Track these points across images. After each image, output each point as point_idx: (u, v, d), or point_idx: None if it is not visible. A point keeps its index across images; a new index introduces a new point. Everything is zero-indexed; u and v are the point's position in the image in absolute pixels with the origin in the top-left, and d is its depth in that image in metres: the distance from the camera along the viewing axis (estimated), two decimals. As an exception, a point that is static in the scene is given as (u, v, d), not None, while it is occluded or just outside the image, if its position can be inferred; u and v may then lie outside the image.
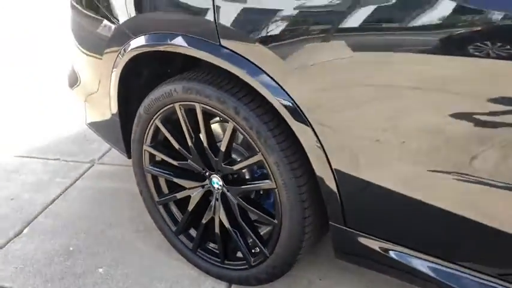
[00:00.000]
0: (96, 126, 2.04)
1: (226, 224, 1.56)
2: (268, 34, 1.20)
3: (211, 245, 1.68)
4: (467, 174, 1.07)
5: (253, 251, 1.55)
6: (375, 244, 1.29)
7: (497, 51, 0.91)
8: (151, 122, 1.59)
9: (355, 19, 1.05)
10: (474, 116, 1.01)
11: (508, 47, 0.90)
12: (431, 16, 0.96)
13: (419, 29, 0.99)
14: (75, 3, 1.80)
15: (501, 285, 1.15)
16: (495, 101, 0.97)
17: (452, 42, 0.97)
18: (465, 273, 1.19)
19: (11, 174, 2.38)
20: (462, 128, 1.03)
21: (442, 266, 1.22)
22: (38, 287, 1.68)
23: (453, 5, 0.95)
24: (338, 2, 1.07)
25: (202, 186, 1.60)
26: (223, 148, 1.46)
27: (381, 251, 1.29)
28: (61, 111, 2.98)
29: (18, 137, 2.73)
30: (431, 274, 1.23)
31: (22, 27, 4.88)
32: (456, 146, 1.06)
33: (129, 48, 1.55)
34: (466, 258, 1.20)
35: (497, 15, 0.91)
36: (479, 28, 0.93)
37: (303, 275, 1.64)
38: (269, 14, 1.19)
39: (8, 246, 1.88)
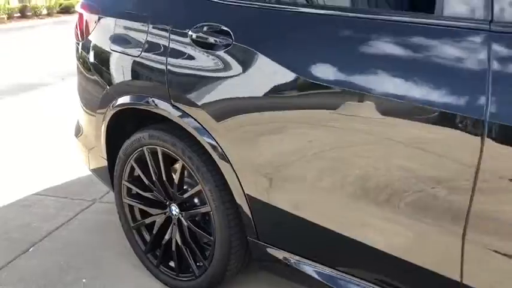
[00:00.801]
0: (96, 171, 2.52)
1: (180, 243, 1.98)
2: (200, 98, 1.69)
3: (171, 262, 2.10)
4: (340, 199, 1.48)
5: (198, 264, 1.96)
6: (279, 254, 1.69)
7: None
8: (128, 161, 2.06)
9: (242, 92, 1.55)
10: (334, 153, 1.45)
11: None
12: (291, 92, 1.44)
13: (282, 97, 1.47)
14: (81, 69, 2.34)
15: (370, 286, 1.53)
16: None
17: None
18: (344, 277, 1.57)
19: (26, 208, 2.87)
20: (331, 162, 1.46)
21: (328, 271, 1.60)
22: (34, 292, 2.12)
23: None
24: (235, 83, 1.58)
25: (164, 213, 2.04)
26: (176, 181, 1.92)
27: (284, 260, 1.69)
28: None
29: (38, 176, 3.25)
30: (318, 277, 1.61)
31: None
32: (329, 176, 1.48)
33: (116, 104, 2.05)
34: (344, 266, 1.58)
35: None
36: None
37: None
38: (199, 86, 1.68)
39: (16, 261, 2.33)
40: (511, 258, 1.18)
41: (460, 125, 1.15)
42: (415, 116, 1.23)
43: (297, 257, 1.66)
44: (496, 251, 1.19)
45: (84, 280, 2.17)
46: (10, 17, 17.06)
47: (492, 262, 1.21)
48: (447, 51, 1.19)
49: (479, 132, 1.12)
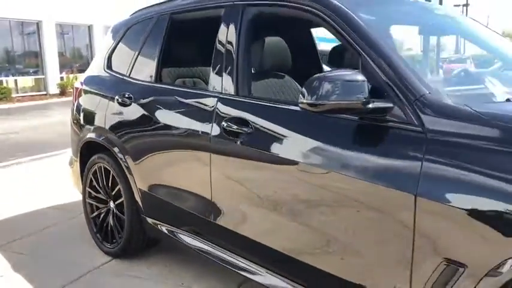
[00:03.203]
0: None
1: (112, 224, 3.25)
2: (119, 136, 3.03)
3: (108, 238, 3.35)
4: (181, 186, 2.72)
5: (119, 236, 3.21)
6: (152, 221, 2.93)
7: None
8: (89, 175, 3.41)
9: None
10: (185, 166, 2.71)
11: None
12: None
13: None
14: (71, 123, 3.76)
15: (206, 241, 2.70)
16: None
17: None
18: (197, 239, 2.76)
19: (40, 215, 4.25)
20: (177, 170, 2.72)
21: (190, 236, 2.79)
22: (26, 252, 3.41)
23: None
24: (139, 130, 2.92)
25: (106, 207, 3.33)
26: (109, 185, 3.23)
27: (153, 224, 2.92)
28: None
29: (53, 197, 4.66)
30: (168, 233, 2.82)
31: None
32: (175, 177, 2.74)
33: (85, 138, 3.42)
34: (196, 231, 2.78)
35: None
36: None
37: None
38: (118, 128, 3.03)
39: (20, 240, 3.67)
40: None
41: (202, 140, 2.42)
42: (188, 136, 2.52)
43: (159, 221, 2.90)
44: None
45: (61, 251, 3.46)
46: (75, 91, 19.70)
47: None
48: (206, 107, 2.50)
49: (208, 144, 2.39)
